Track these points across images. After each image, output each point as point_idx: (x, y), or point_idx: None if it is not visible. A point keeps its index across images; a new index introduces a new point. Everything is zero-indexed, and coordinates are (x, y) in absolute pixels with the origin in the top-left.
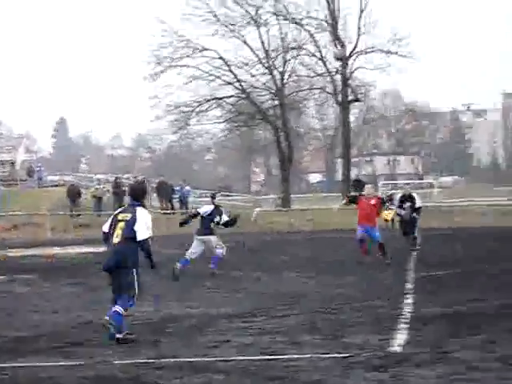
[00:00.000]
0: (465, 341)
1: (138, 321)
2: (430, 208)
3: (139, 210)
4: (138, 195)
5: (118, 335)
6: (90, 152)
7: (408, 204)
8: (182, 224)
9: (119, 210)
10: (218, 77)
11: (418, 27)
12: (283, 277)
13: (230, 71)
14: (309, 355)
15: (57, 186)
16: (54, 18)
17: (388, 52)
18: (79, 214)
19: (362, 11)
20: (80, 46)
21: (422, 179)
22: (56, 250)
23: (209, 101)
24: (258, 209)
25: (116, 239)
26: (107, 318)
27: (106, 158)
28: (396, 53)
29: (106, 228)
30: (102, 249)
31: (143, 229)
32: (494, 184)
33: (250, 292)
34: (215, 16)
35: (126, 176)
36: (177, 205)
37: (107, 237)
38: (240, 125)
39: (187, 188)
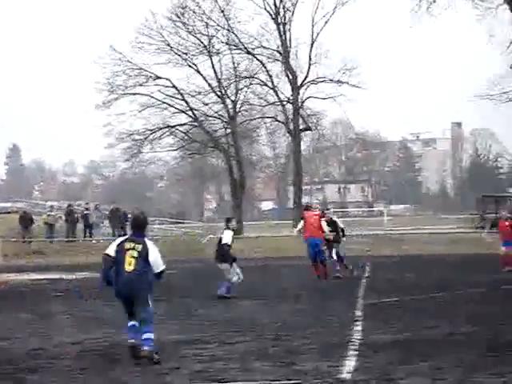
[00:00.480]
0: (413, 368)
1: (89, 348)
2: (380, 236)
3: (149, 242)
4: (143, 226)
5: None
6: (42, 178)
7: (328, 228)
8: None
9: (122, 239)
10: (171, 105)
11: (368, 57)
12: (235, 303)
13: (183, 100)
14: (259, 382)
15: (9, 212)
16: (5, 41)
17: (338, 82)
18: (31, 241)
19: (313, 42)
20: (33, 72)
21: (372, 207)
22: (9, 277)
23: (161, 129)
24: (210, 236)
25: (129, 267)
26: (145, 348)
27: (59, 184)
28: (346, 82)
29: (111, 252)
30: (55, 275)
31: (159, 261)
32: (443, 212)
33: (201, 318)
34: (168, 45)
35: (77, 203)
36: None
37: (110, 260)
38: (193, 152)
39: None
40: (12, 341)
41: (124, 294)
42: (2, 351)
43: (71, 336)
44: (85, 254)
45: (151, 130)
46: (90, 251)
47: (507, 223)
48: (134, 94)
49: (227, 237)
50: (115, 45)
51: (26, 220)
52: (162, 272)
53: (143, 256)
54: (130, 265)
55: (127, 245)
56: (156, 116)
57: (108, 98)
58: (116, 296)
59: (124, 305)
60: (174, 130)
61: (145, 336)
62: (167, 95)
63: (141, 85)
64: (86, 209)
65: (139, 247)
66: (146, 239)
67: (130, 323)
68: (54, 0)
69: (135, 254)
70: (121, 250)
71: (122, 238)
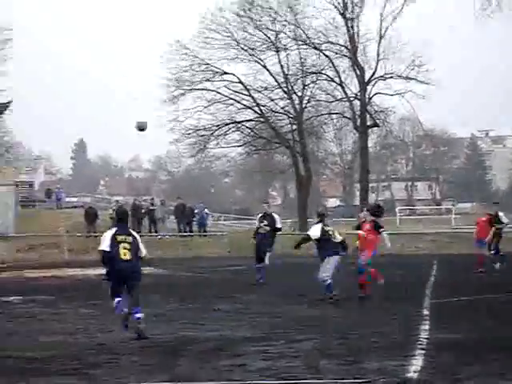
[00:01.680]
0: (480, 368)
1: (154, 343)
2: (449, 234)
3: (135, 233)
4: (127, 218)
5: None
6: (108, 173)
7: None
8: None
9: (114, 231)
10: (238, 101)
11: (436, 52)
12: (299, 301)
13: (250, 95)
14: (326, 380)
15: (75, 207)
16: (71, 36)
17: (406, 78)
18: (96, 236)
19: (381, 37)
20: (99, 67)
21: (439, 205)
22: (73, 272)
23: (228, 124)
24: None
25: (125, 257)
26: (140, 324)
27: (125, 179)
28: (415, 79)
29: (106, 247)
30: None
31: (143, 248)
32: None
33: (266, 315)
34: (235, 40)
35: (143, 198)
36: (195, 228)
37: (108, 255)
38: (258, 148)
39: (206, 211)
40: (77, 336)
41: (123, 277)
42: (68, 346)
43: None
44: (149, 249)
45: (217, 126)
46: (154, 247)
47: (484, 218)
48: (201, 89)
49: (314, 231)
50: (182, 39)
51: (91, 215)
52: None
53: (135, 247)
54: (125, 255)
55: (119, 238)
56: (222, 112)
57: (174, 93)
58: (115, 278)
59: (118, 284)
60: (240, 125)
61: (138, 315)
62: (234, 91)
63: (207, 80)
64: (152, 204)
65: (130, 239)
66: (132, 231)
67: (118, 298)
68: None
69: (128, 246)
70: (113, 244)
71: (111, 232)
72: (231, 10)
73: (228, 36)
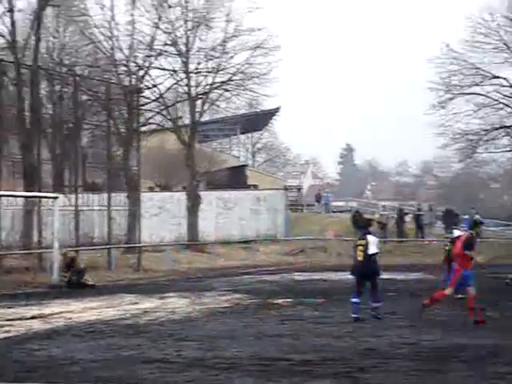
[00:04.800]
0: None
1: (425, 349)
2: None
3: (369, 237)
4: (363, 225)
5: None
6: (375, 179)
7: None
8: None
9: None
10: (507, 105)
11: None
12: None
13: None
14: None
15: (341, 212)
16: (334, 39)
17: None
18: None
19: None
20: (368, 74)
21: None
22: (342, 275)
23: (497, 129)
24: None
25: (360, 258)
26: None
27: (392, 184)
28: None
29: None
30: (387, 276)
31: (372, 247)
32: None
33: None
34: (505, 44)
35: (410, 203)
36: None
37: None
38: None
39: (477, 216)
40: (345, 339)
41: (362, 275)
42: (335, 349)
43: (403, 336)
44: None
45: (486, 131)
46: (421, 252)
47: None
48: (469, 93)
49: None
50: (450, 43)
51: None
52: (372, 254)
53: (366, 248)
54: (359, 256)
55: (358, 242)
56: (491, 116)
57: (443, 97)
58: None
59: (361, 285)
60: (510, 130)
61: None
62: (504, 95)
63: (477, 84)
64: (419, 209)
65: (363, 242)
66: (368, 235)
67: (355, 300)
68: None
69: (362, 248)
70: (355, 246)
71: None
72: (501, 13)
73: (498, 40)
